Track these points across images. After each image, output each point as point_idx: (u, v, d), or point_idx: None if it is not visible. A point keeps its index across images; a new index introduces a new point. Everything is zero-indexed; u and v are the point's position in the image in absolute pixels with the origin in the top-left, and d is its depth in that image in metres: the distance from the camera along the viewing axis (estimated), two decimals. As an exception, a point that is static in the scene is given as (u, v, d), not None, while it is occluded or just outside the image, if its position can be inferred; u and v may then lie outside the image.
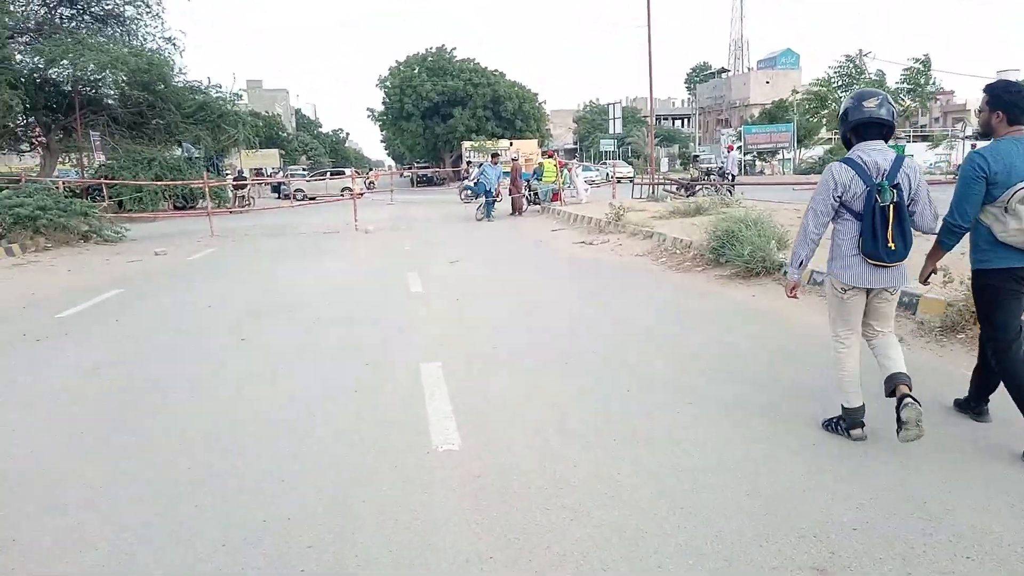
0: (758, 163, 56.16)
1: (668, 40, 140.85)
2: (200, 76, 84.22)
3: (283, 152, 62.18)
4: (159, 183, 22.12)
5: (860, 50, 30.51)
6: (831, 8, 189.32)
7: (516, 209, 20.71)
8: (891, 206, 3.54)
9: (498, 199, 20.03)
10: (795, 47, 74.38)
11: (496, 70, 55.71)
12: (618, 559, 2.76)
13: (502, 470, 3.55)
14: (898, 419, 3.53)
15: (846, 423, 3.82)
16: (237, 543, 2.96)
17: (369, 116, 59.58)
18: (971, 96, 54.48)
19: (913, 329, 5.76)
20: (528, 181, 22.19)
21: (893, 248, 3.56)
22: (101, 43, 22.03)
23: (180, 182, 22.55)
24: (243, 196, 28.82)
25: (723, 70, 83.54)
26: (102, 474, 3.68)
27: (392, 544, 2.92)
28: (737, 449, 3.72)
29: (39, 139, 25.70)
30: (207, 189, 20.63)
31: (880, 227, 3.54)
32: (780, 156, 55.99)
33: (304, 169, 54.38)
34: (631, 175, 32.44)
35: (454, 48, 55.48)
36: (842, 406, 3.84)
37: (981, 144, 4.27)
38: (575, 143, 78.70)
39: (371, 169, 64.99)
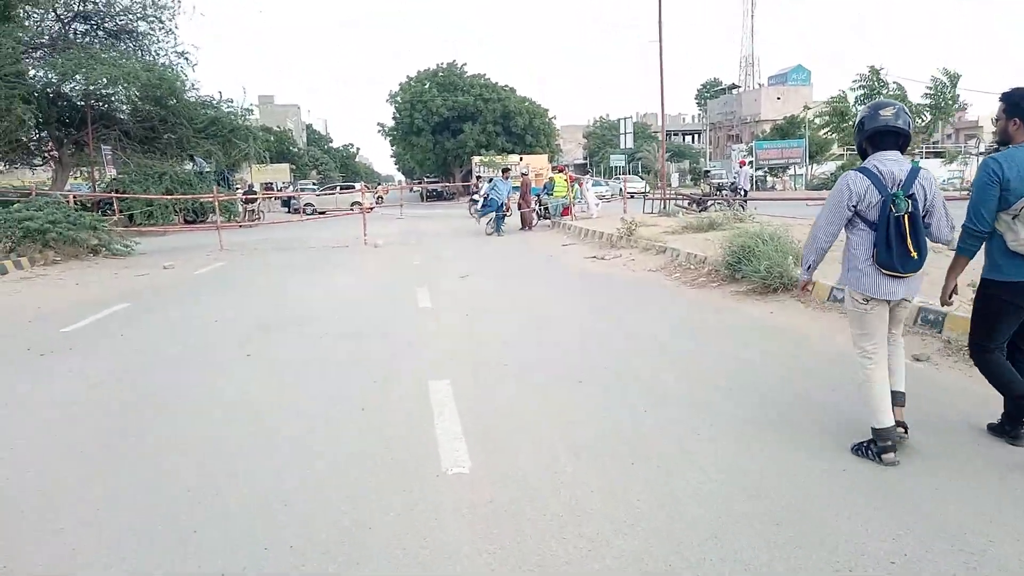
0: (769, 179, 56.00)
1: (678, 56, 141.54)
2: (212, 91, 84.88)
3: (294, 167, 62.47)
4: (170, 197, 22.15)
5: (873, 66, 30.16)
6: (841, 25, 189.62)
7: (526, 224, 20.60)
8: (906, 216, 3.50)
9: (508, 214, 19.93)
10: (806, 64, 74.31)
11: (507, 85, 55.89)
12: (640, 594, 2.59)
13: (515, 495, 3.38)
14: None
15: (877, 447, 3.63)
16: (236, 573, 2.81)
17: (379, 131, 59.84)
18: (984, 112, 54.10)
19: (940, 348, 5.56)
20: (538, 196, 22.11)
21: (908, 258, 3.53)
22: (114, 58, 22.16)
23: (190, 196, 22.57)
24: (253, 210, 28.86)
25: (734, 86, 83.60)
26: (101, 494, 3.54)
27: None
28: (761, 474, 3.54)
29: (51, 153, 25.82)
30: (217, 203, 20.62)
31: (895, 237, 3.51)
32: (792, 172, 55.81)
33: (314, 184, 54.57)
34: (645, 190, 32.26)
35: (464, 64, 55.75)
36: (872, 428, 3.67)
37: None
38: (585, 158, 78.81)
39: (379, 184, 65.11)
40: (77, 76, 21.55)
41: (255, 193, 32.16)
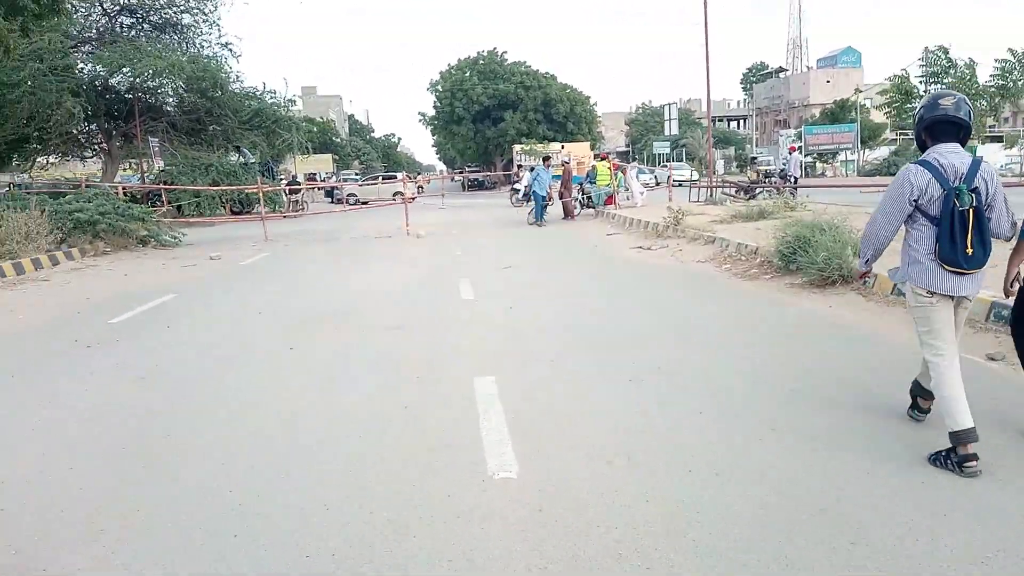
0: (819, 165, 54.56)
1: (723, 40, 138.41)
2: (256, 82, 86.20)
3: (336, 157, 63.05)
4: (215, 188, 22.42)
5: (941, 45, 28.64)
6: (893, 3, 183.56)
7: (567, 213, 20.32)
8: (970, 211, 3.38)
9: (550, 203, 19.66)
10: (856, 45, 72.04)
11: (548, 73, 55.34)
12: (706, 622, 2.38)
13: (565, 504, 3.19)
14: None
15: (957, 455, 3.36)
16: (275, 585, 2.69)
17: (420, 120, 59.92)
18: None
19: (1012, 345, 5.17)
20: (581, 184, 21.79)
21: (972, 254, 3.39)
22: (159, 50, 22.49)
23: (236, 187, 22.83)
24: (297, 201, 29.10)
25: (781, 69, 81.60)
26: (141, 494, 3.46)
27: (445, 592, 2.60)
28: (830, 487, 3.28)
29: (101, 145, 26.40)
30: (261, 194, 20.81)
31: (959, 232, 3.38)
32: (843, 157, 54.26)
33: (357, 174, 54.98)
34: (691, 178, 31.44)
35: (505, 52, 55.34)
36: (950, 432, 3.40)
37: None
38: (627, 146, 77.87)
39: (419, 173, 65.36)
40: (124, 69, 21.94)
41: (299, 184, 32.43)
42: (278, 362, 5.92)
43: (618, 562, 2.72)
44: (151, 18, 26.09)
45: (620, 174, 22.22)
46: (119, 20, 25.91)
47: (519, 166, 44.03)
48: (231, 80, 25.49)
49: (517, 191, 27.15)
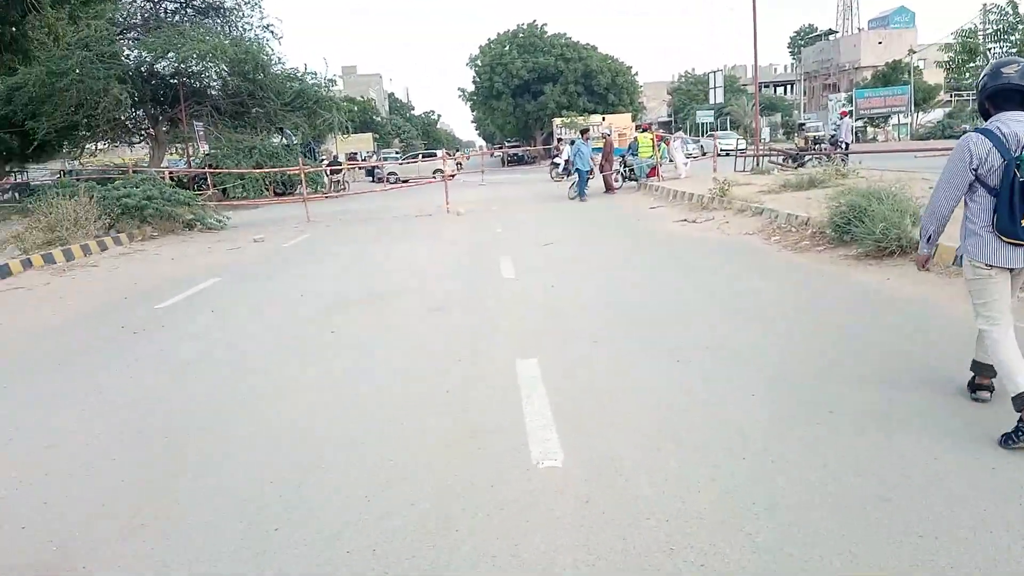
0: (870, 130, 52.73)
1: (768, 3, 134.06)
2: (297, 63, 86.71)
3: (377, 136, 63.26)
4: (259, 171, 22.64)
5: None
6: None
7: (608, 187, 19.96)
8: None
9: (591, 177, 19.33)
10: (909, 4, 68.87)
11: (588, 44, 54.41)
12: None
13: (614, 495, 3.06)
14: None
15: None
16: (315, 581, 2.62)
17: (460, 96, 59.62)
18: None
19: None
20: (623, 157, 21.37)
21: None
22: (202, 34, 22.69)
23: (278, 169, 23.03)
24: (338, 181, 29.26)
25: (830, 31, 78.80)
26: (182, 487, 3.44)
27: (489, 590, 2.50)
28: (896, 473, 3.08)
29: (148, 131, 26.87)
30: (303, 175, 20.95)
31: (1019, 203, 3.29)
32: (895, 121, 52.32)
33: (397, 152, 55.10)
34: (738, 147, 30.46)
35: (545, 24, 54.53)
36: (1013, 397, 3.26)
37: None
38: (669, 116, 76.39)
39: (458, 150, 65.18)
40: (169, 54, 22.21)
41: (340, 164, 32.61)
42: (319, 348, 5.88)
43: (670, 557, 2.59)
44: (194, 3, 26.35)
45: (663, 145, 21.71)
46: (163, 6, 26.23)
47: (559, 140, 43.52)
48: (273, 62, 25.64)
49: (557, 165, 26.80)
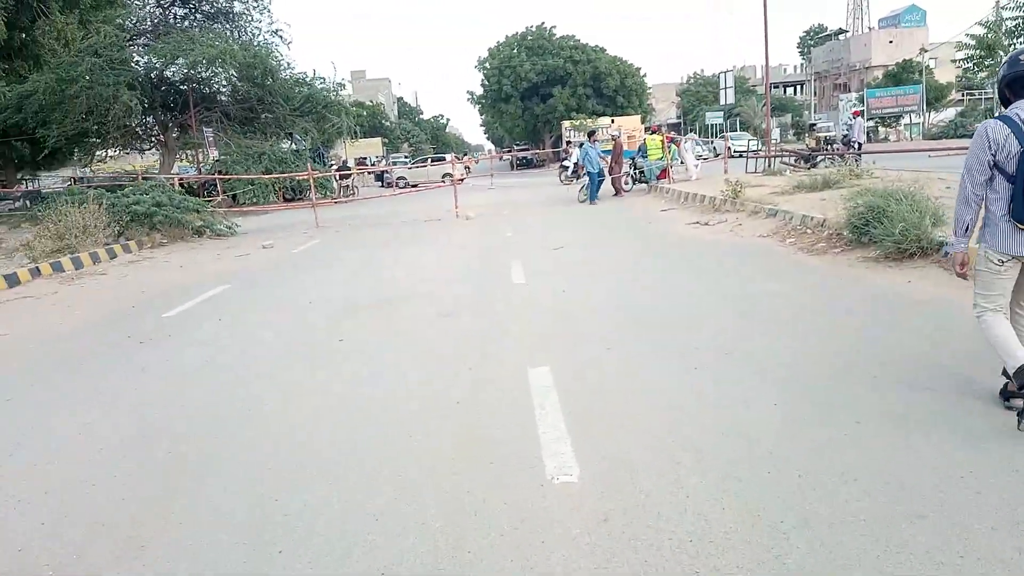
0: (882, 129, 52.33)
1: (777, 3, 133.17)
2: (306, 67, 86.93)
3: (386, 140, 63.30)
4: (269, 176, 22.61)
5: None
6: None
7: (617, 190, 19.78)
8: None
9: (602, 179, 19.16)
10: (920, 3, 68.31)
11: (597, 46, 54.22)
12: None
13: (632, 513, 2.92)
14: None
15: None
16: (321, 606, 2.50)
17: (469, 99, 59.54)
18: None
19: None
20: (632, 159, 21.21)
21: None
22: (211, 39, 22.70)
23: (287, 175, 23.00)
24: (347, 186, 29.22)
25: (841, 31, 78.33)
26: (184, 505, 3.32)
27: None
28: (926, 485, 2.93)
29: (158, 138, 26.92)
30: (312, 181, 20.89)
31: None
32: (907, 121, 51.91)
33: (406, 157, 55.09)
34: (750, 148, 30.20)
35: (553, 26, 54.42)
36: (1013, 372, 3.38)
37: None
38: (678, 117, 76.09)
39: (466, 154, 65.25)
40: (179, 59, 22.23)
41: (349, 169, 32.58)
42: (327, 356, 5.77)
43: (694, 582, 2.45)
44: (203, 8, 26.40)
45: (674, 147, 21.53)
46: (172, 11, 26.29)
47: (568, 143, 43.34)
48: (282, 67, 25.64)
49: (566, 168, 26.65)
